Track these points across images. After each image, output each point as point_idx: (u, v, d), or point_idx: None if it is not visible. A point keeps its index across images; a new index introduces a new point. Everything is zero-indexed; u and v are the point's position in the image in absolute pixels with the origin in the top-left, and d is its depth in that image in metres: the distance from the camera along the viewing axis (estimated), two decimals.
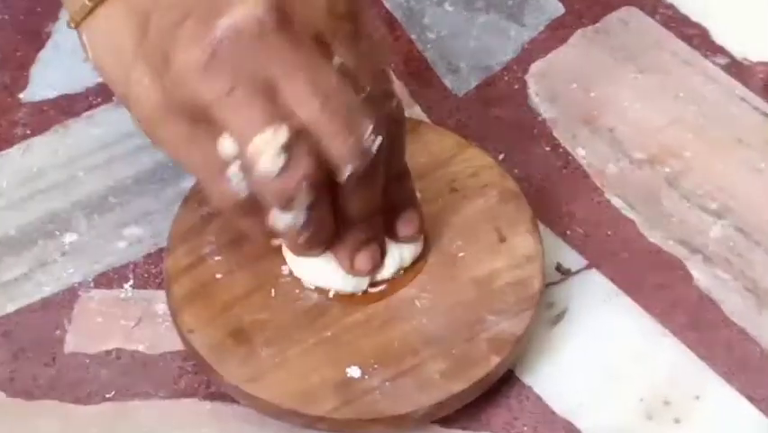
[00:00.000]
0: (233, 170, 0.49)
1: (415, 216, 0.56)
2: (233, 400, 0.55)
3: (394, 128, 0.52)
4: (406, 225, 0.56)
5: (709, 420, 0.55)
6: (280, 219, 0.50)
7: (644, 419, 0.55)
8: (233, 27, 0.48)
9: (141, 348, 0.57)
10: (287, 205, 0.49)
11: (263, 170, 0.48)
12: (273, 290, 0.56)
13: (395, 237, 0.56)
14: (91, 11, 0.51)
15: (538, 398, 0.56)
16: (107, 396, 0.55)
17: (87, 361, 0.56)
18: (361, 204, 0.52)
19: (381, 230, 0.55)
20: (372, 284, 0.56)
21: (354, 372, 0.54)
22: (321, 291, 0.56)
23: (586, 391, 0.56)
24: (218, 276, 0.56)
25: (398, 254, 0.56)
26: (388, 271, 0.56)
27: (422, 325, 0.55)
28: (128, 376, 0.56)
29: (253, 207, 0.50)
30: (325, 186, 0.50)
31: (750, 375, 0.56)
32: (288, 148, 0.48)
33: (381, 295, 0.56)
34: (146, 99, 0.50)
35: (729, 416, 0.55)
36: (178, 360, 0.56)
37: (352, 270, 0.55)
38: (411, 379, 0.53)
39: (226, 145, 0.49)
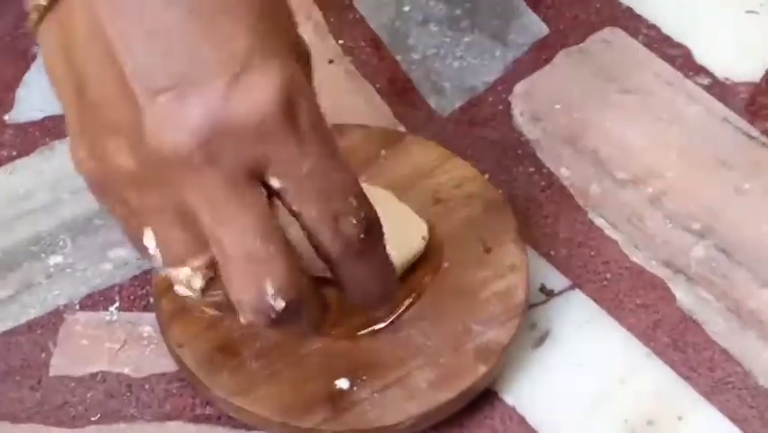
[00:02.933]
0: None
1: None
2: (219, 423, 0.55)
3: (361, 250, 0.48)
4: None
5: None
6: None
7: None
8: (161, 152, 0.45)
9: (126, 371, 0.57)
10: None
11: (181, 293, 0.48)
12: None
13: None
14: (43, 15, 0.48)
15: (522, 419, 0.56)
16: (93, 419, 0.56)
17: (73, 384, 0.56)
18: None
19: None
20: None
21: (343, 383, 0.54)
22: None
23: (570, 412, 0.56)
24: None
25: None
26: None
27: (409, 335, 0.55)
28: (114, 399, 0.56)
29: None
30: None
31: (732, 396, 0.56)
32: (204, 276, 0.47)
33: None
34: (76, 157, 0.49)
35: None
36: (163, 382, 0.56)
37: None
38: (399, 389, 0.54)
39: (149, 243, 0.48)
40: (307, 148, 0.46)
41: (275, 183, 0.46)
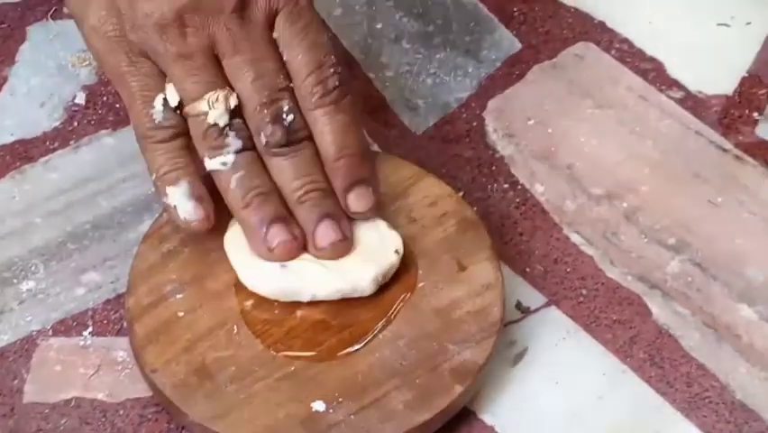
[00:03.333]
0: (159, 101, 0.56)
1: (366, 192, 0.57)
2: None
3: (327, 100, 0.56)
4: (356, 201, 0.57)
5: None
6: (209, 163, 0.56)
7: None
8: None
9: (101, 396, 0.56)
10: (218, 147, 0.56)
11: (211, 122, 0.55)
12: (236, 327, 0.56)
13: (349, 215, 0.57)
14: None
15: None
16: None
17: (47, 410, 0.56)
18: (293, 174, 0.56)
19: (338, 209, 0.57)
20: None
21: (319, 406, 0.54)
22: (285, 315, 0.56)
23: (548, 430, 0.56)
24: (180, 314, 0.56)
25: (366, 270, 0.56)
26: (332, 286, 0.56)
27: (384, 356, 0.55)
28: (88, 425, 0.56)
29: (169, 135, 0.56)
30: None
31: (709, 410, 0.56)
32: (233, 112, 0.56)
33: (343, 327, 0.56)
34: (100, 27, 0.56)
35: None
36: (138, 407, 0.56)
37: (315, 249, 0.56)
38: (375, 411, 0.54)
39: (171, 93, 0.56)
40: (303, 6, 0.56)
41: (278, 31, 0.56)
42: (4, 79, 0.66)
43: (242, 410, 0.54)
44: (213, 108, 0.55)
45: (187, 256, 0.57)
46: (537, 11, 0.69)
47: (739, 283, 0.60)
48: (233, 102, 0.56)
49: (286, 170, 0.56)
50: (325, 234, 0.56)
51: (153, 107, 0.56)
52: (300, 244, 0.56)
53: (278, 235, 0.56)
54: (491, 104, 0.66)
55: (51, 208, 0.62)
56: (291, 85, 0.56)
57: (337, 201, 0.57)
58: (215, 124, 0.56)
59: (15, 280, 0.60)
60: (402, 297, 0.57)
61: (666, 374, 0.57)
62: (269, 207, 0.56)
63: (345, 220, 0.57)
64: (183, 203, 0.56)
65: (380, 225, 0.58)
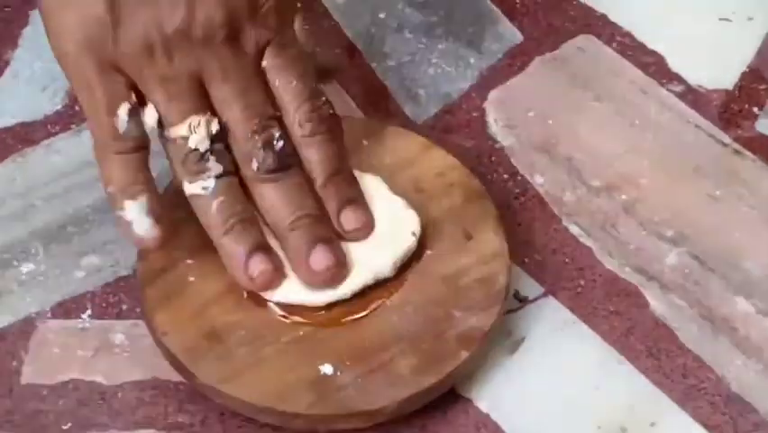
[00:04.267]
0: (124, 110, 0.55)
1: (358, 210, 0.57)
2: (192, 431, 0.55)
3: (323, 127, 0.56)
4: (350, 219, 0.57)
5: None
6: (189, 188, 0.56)
7: None
8: (188, 25, 0.54)
9: (99, 379, 0.56)
10: (199, 172, 0.55)
11: (192, 147, 0.55)
12: (245, 292, 0.57)
13: (342, 236, 0.57)
14: None
15: (496, 426, 0.56)
16: (64, 427, 0.55)
17: (45, 392, 0.56)
18: (284, 201, 0.56)
19: (331, 233, 0.57)
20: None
21: (327, 369, 0.55)
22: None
23: (544, 419, 0.56)
24: (191, 279, 0.57)
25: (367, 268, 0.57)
26: (356, 281, 0.56)
27: (392, 322, 0.56)
28: (86, 407, 0.56)
29: (131, 147, 0.55)
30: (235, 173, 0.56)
31: (705, 402, 0.57)
32: (213, 137, 0.55)
33: (351, 295, 0.57)
34: (76, 31, 0.55)
35: None
36: (136, 390, 0.56)
37: (310, 275, 0.56)
38: (382, 375, 0.55)
39: (150, 115, 0.56)
40: (291, 36, 0.57)
41: (268, 61, 0.56)
42: (7, 63, 0.67)
43: (251, 373, 0.54)
44: (194, 133, 0.55)
45: (197, 224, 0.57)
46: (539, 3, 0.70)
47: (737, 276, 0.60)
48: (214, 128, 0.55)
49: (276, 197, 0.56)
50: (321, 258, 0.56)
51: (117, 117, 0.55)
52: (282, 274, 0.56)
53: (259, 265, 0.56)
54: (492, 95, 0.66)
55: (52, 191, 0.62)
56: (278, 114, 0.56)
57: (328, 226, 0.57)
58: (196, 149, 0.55)
59: (15, 263, 0.60)
60: (410, 265, 0.57)
61: (662, 366, 0.58)
62: (250, 235, 0.56)
63: (338, 243, 0.57)
64: (140, 219, 0.55)
65: (398, 206, 0.58)
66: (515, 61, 0.68)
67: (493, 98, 0.66)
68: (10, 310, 0.58)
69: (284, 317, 0.56)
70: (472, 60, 0.68)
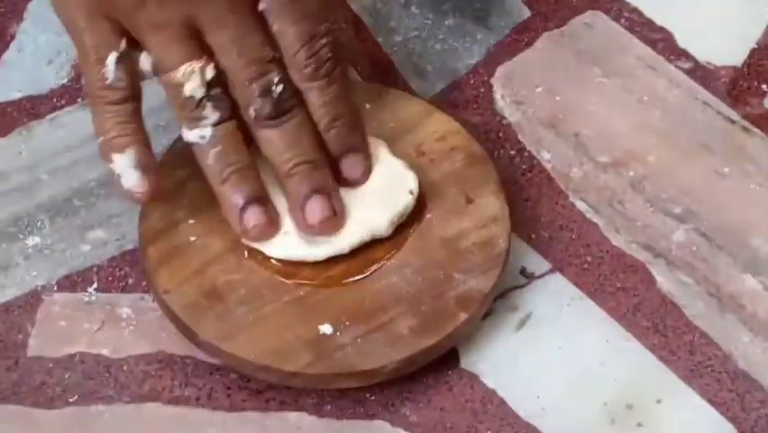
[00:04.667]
0: (112, 59, 0.54)
1: (359, 159, 0.57)
2: (198, 404, 0.55)
3: (322, 71, 0.55)
4: (350, 167, 0.57)
5: (671, 424, 0.55)
6: (188, 135, 0.55)
7: (607, 423, 0.55)
8: None
9: (104, 352, 0.56)
10: (196, 119, 0.55)
11: (187, 94, 0.54)
12: (246, 252, 0.57)
13: (341, 182, 0.57)
14: None
15: (502, 401, 0.56)
16: (70, 400, 0.55)
17: (51, 365, 0.56)
18: (282, 145, 0.55)
19: (328, 182, 0.56)
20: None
21: (326, 329, 0.55)
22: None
23: (549, 396, 0.56)
24: (192, 239, 0.57)
25: (366, 223, 0.57)
26: (353, 237, 0.56)
27: (392, 283, 0.56)
28: (91, 380, 0.56)
29: (120, 97, 0.55)
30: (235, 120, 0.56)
31: (711, 379, 0.57)
32: (209, 83, 0.54)
33: (352, 256, 0.57)
34: None
35: (691, 420, 0.56)
36: (141, 364, 0.56)
37: (305, 226, 0.56)
38: (381, 335, 0.55)
39: (144, 62, 0.55)
40: None
41: (266, 3, 0.55)
42: (12, 36, 0.66)
43: (250, 331, 0.55)
44: (189, 81, 0.54)
45: (199, 184, 0.57)
46: None
47: (744, 253, 0.60)
48: (209, 74, 0.55)
49: (275, 141, 0.56)
50: (315, 210, 0.56)
51: (106, 66, 0.54)
52: (277, 226, 0.56)
53: (253, 218, 0.56)
54: (499, 70, 0.66)
55: (58, 165, 0.62)
56: (278, 55, 0.55)
57: (327, 173, 0.57)
58: (191, 97, 0.54)
59: (21, 236, 0.60)
60: (410, 227, 0.57)
61: (669, 342, 0.58)
62: (247, 185, 0.56)
63: (336, 194, 0.57)
64: (128, 172, 0.55)
65: (396, 165, 0.58)
66: (522, 37, 0.67)
67: (500, 74, 0.66)
68: (16, 283, 0.58)
69: (285, 277, 0.56)
70: (480, 36, 0.67)
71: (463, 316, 0.55)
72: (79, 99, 0.64)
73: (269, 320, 0.55)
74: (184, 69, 0.54)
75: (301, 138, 0.56)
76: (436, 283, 0.56)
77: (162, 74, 0.55)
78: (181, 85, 0.54)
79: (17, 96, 0.64)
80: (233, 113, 0.56)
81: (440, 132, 0.60)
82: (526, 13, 0.68)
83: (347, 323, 0.55)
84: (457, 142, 0.60)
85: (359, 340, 0.55)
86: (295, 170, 0.56)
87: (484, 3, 0.69)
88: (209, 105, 0.55)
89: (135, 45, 0.55)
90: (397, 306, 0.55)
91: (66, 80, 0.65)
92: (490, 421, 0.55)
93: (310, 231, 0.56)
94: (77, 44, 0.55)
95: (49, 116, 0.63)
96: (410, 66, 0.66)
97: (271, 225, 0.56)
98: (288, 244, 0.56)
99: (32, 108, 0.64)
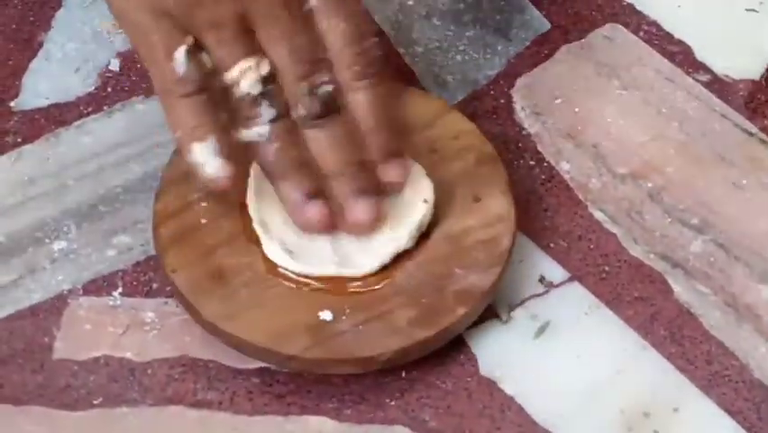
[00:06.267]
0: (181, 52, 0.55)
1: (402, 164, 0.58)
2: (221, 408, 0.56)
3: (369, 71, 0.56)
4: (390, 173, 0.57)
5: (688, 432, 0.56)
6: (245, 134, 0.56)
7: (624, 430, 0.56)
8: None
9: (129, 355, 0.57)
10: (253, 117, 0.55)
11: (244, 91, 0.55)
12: (255, 238, 0.58)
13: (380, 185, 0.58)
14: None
15: (520, 408, 0.56)
16: (95, 402, 0.56)
17: (76, 367, 0.57)
18: (329, 146, 0.56)
19: (371, 184, 0.57)
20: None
21: (327, 315, 0.56)
22: None
23: (567, 403, 0.57)
24: (203, 221, 0.58)
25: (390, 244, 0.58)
26: (383, 258, 0.57)
27: (393, 275, 0.57)
28: (116, 383, 0.57)
29: (194, 89, 0.56)
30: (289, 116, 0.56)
31: (728, 389, 0.57)
32: (265, 80, 0.55)
33: None
34: None
35: (708, 429, 0.56)
36: (165, 367, 0.57)
37: (350, 222, 0.56)
38: (380, 324, 0.56)
39: (207, 59, 0.55)
40: None
41: (315, 1, 0.55)
42: (40, 45, 0.67)
43: (252, 314, 0.56)
44: (244, 78, 0.55)
45: None
46: None
47: (761, 264, 0.60)
48: (264, 70, 0.55)
49: (322, 141, 0.56)
50: (363, 210, 0.57)
51: (175, 60, 0.55)
52: (334, 219, 0.57)
53: (316, 212, 0.56)
54: (519, 82, 0.67)
55: (84, 171, 0.63)
56: (327, 56, 0.56)
57: (371, 176, 0.57)
58: (248, 93, 0.55)
59: (47, 240, 0.61)
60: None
61: (686, 352, 0.58)
62: (307, 181, 0.56)
63: (378, 198, 0.57)
64: (210, 160, 0.56)
65: (414, 170, 0.59)
66: (542, 49, 0.68)
67: (520, 85, 0.67)
68: (42, 287, 0.59)
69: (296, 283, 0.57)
70: (500, 48, 0.68)
71: (461, 311, 0.56)
72: (105, 107, 0.65)
73: (270, 304, 0.56)
74: (240, 66, 0.55)
75: (348, 139, 0.57)
76: (437, 277, 0.57)
77: (221, 72, 0.56)
78: (237, 82, 0.55)
79: (45, 103, 0.65)
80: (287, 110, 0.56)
81: (454, 131, 0.61)
82: (546, 25, 0.69)
83: (347, 311, 0.56)
84: (469, 141, 0.61)
85: (358, 327, 0.55)
86: (342, 170, 0.56)
87: (504, 15, 0.69)
88: (265, 102, 0.55)
89: (198, 46, 0.56)
90: (398, 297, 0.56)
91: (92, 88, 0.66)
92: (509, 428, 0.56)
93: (352, 229, 0.57)
94: (142, 44, 0.56)
95: (75, 123, 0.64)
96: (431, 76, 0.67)
97: (331, 219, 0.57)
98: (319, 260, 0.57)
99: (60, 115, 0.65)
